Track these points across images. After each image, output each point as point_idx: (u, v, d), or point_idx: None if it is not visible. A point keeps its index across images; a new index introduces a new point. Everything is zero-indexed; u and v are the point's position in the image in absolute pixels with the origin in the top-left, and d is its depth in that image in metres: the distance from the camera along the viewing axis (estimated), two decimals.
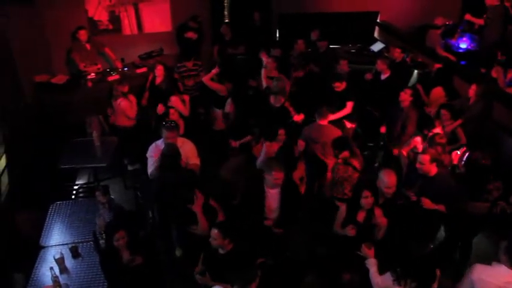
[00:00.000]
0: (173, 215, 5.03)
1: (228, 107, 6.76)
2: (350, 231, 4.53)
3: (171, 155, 4.95)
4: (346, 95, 6.93)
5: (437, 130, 5.88)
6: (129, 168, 7.30)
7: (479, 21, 9.02)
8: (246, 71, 8.14)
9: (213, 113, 7.40)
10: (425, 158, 4.90)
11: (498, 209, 4.94)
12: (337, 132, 6.04)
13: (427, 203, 4.81)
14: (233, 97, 6.92)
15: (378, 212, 4.57)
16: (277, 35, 10.24)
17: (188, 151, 5.38)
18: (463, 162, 5.74)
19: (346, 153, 5.46)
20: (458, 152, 6.01)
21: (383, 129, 6.84)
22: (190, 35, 9.22)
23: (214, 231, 4.17)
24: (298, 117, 6.63)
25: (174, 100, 6.72)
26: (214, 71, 7.18)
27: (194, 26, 9.24)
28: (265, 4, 10.11)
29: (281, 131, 5.74)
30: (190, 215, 4.67)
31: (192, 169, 5.26)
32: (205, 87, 7.35)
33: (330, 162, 5.92)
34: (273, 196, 4.87)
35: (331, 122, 6.38)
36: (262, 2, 10.12)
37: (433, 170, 4.92)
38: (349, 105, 6.92)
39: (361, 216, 4.60)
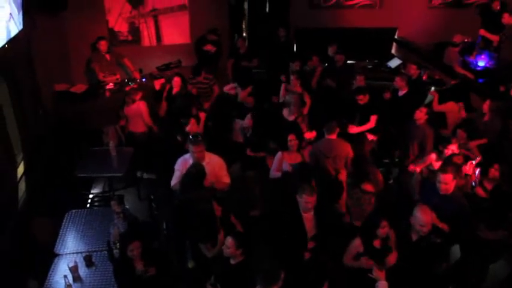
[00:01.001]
0: (190, 229, 4.99)
1: (247, 121, 6.81)
2: (366, 262, 4.38)
3: (195, 174, 4.89)
4: (369, 109, 6.96)
5: (453, 147, 5.84)
6: (145, 176, 7.35)
7: (494, 38, 9.00)
8: (264, 86, 8.18)
9: (235, 124, 7.39)
10: (448, 177, 4.77)
11: None
12: (347, 146, 6.06)
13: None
14: (253, 111, 6.95)
15: (392, 235, 4.52)
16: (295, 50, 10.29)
17: (217, 168, 5.32)
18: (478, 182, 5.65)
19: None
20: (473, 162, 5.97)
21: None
22: (209, 47, 9.31)
23: (229, 240, 4.21)
24: (310, 135, 6.65)
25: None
26: (249, 88, 7.31)
27: (213, 39, 9.32)
28: (283, 19, 10.20)
29: (291, 137, 5.79)
30: (207, 231, 4.68)
31: (213, 188, 5.17)
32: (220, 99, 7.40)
33: (342, 176, 5.93)
34: (308, 220, 4.73)
35: (355, 135, 6.41)
36: (281, 16, 10.21)
37: (451, 189, 4.84)
38: (373, 118, 6.93)
39: (377, 243, 4.51)
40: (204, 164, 5.09)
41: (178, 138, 6.59)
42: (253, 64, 9.20)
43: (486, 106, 6.77)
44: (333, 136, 6.05)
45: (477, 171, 5.65)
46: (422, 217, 4.32)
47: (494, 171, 5.24)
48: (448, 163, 5.31)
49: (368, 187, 5.55)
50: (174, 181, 5.28)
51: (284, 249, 4.69)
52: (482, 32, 9.30)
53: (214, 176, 5.18)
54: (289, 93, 6.85)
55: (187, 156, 5.37)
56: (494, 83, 8.44)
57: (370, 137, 6.99)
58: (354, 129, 6.90)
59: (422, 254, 4.39)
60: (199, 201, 4.75)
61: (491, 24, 9.40)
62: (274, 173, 5.90)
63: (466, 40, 9.38)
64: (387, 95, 7.49)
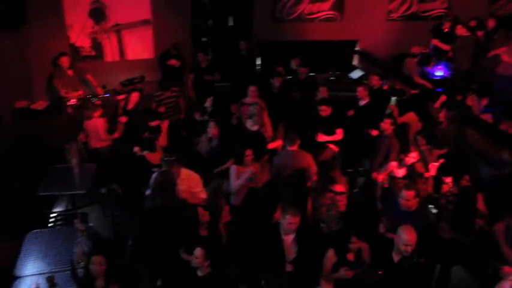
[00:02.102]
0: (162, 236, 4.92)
1: (212, 130, 6.80)
2: (346, 273, 4.37)
3: (164, 181, 4.84)
4: (332, 120, 7.07)
5: (413, 154, 6.00)
6: (102, 191, 7.21)
7: (446, 47, 9.32)
8: (227, 98, 8.22)
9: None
10: (410, 194, 4.90)
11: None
12: (309, 158, 6.10)
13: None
14: (215, 121, 6.94)
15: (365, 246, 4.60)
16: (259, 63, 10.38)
17: (193, 184, 5.35)
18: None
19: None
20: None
21: None
22: (173, 62, 9.31)
23: (198, 250, 4.19)
24: (274, 144, 6.70)
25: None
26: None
27: (176, 53, 9.33)
28: (246, 32, 10.30)
29: (248, 152, 5.78)
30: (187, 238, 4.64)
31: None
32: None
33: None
34: (288, 242, 4.65)
35: (316, 145, 6.51)
36: (244, 30, 10.31)
37: (414, 205, 4.95)
38: (340, 132, 7.07)
39: (350, 257, 4.56)
40: (179, 180, 5.06)
41: (135, 150, 6.58)
42: (216, 78, 9.23)
43: (443, 115, 7.02)
44: (295, 147, 6.10)
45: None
46: (407, 236, 4.23)
47: (465, 182, 5.43)
48: (412, 174, 5.46)
49: (340, 187, 5.61)
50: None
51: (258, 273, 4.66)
52: (434, 41, 9.64)
53: (189, 193, 5.19)
54: (252, 105, 6.90)
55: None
56: (452, 92, 8.75)
57: (333, 147, 7.10)
58: (322, 138, 7.00)
59: (406, 276, 4.33)
60: (173, 209, 4.70)
61: (445, 37, 9.82)
62: (233, 186, 5.87)
63: (424, 51, 9.69)
64: (351, 112, 7.61)
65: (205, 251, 4.20)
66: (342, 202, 5.51)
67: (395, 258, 4.42)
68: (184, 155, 6.91)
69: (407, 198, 4.89)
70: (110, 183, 7.14)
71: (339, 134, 7.06)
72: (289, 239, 4.60)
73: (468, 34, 9.29)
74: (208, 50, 9.85)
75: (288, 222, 4.49)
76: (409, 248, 4.23)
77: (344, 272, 4.35)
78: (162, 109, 7.72)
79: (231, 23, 10.60)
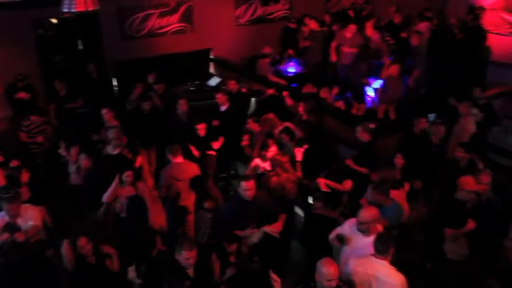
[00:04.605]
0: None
1: (83, 161, 6.50)
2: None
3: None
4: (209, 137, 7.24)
5: (273, 149, 6.33)
6: None
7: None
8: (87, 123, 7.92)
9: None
10: (250, 184, 5.10)
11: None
12: (195, 167, 6.29)
13: None
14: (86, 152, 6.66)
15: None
16: (116, 84, 10.11)
17: (31, 216, 5.10)
18: None
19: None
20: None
21: None
22: (22, 95, 8.70)
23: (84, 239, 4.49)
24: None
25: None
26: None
27: (23, 86, 8.72)
28: (97, 54, 9.97)
29: (128, 173, 5.69)
30: None
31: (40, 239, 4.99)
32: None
33: (191, 199, 6.10)
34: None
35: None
36: (95, 52, 9.98)
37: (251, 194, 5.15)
38: (221, 139, 7.30)
39: (232, 259, 4.73)
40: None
41: None
42: (79, 104, 8.79)
43: (301, 108, 7.46)
44: (179, 159, 6.19)
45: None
46: (329, 270, 3.86)
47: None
48: (274, 163, 5.81)
49: (209, 204, 5.70)
50: None
51: None
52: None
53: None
54: (110, 129, 6.77)
55: (1, 213, 5.04)
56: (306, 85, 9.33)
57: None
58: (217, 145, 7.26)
59: None
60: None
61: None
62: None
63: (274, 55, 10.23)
64: (215, 123, 7.64)
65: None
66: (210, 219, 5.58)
67: None
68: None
69: (246, 188, 5.08)
70: None
71: (219, 143, 7.29)
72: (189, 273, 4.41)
73: (318, 29, 10.04)
74: (63, 77, 9.33)
75: (184, 257, 4.27)
76: (334, 283, 3.86)
77: (231, 272, 4.50)
78: (39, 139, 7.37)
79: (80, 46, 10.22)
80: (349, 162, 6.44)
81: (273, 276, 4.34)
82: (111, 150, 6.64)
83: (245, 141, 7.11)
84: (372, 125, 6.87)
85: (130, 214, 5.56)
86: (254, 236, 5.03)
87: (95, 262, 4.75)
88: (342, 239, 4.79)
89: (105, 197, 5.64)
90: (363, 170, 6.28)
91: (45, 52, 9.89)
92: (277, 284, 4.33)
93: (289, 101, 8.06)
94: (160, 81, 8.51)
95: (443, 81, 9.01)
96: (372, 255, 4.16)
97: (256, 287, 4.28)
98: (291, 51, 10.49)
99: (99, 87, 9.15)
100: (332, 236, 4.90)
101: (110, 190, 5.64)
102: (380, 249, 4.12)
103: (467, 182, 5.46)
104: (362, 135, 6.46)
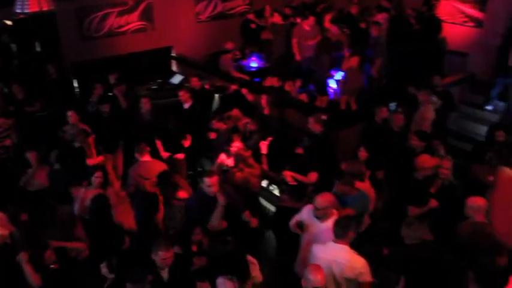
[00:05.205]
0: None
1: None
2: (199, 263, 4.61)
3: None
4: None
5: (236, 143, 6.34)
6: None
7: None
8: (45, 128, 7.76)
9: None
10: (213, 180, 5.13)
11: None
12: (163, 166, 6.30)
13: None
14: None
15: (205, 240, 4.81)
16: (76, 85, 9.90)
17: None
18: None
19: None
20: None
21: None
22: None
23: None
24: (95, 160, 6.69)
25: None
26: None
27: None
28: (56, 56, 9.75)
29: (98, 174, 5.78)
30: None
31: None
32: None
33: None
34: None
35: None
36: (54, 54, 9.75)
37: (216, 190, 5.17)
38: (189, 138, 7.34)
39: (194, 248, 4.80)
40: None
41: None
42: (36, 108, 8.57)
43: (264, 101, 7.53)
44: (147, 158, 6.25)
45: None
46: (316, 278, 3.79)
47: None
48: (237, 158, 5.91)
49: (182, 194, 5.71)
50: None
51: None
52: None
53: None
54: (70, 128, 6.83)
55: None
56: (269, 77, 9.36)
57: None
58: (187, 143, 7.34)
59: None
60: None
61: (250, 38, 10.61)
62: (78, 210, 5.72)
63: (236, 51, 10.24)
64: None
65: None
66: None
67: None
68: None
69: (210, 184, 5.10)
70: None
71: (188, 142, 7.33)
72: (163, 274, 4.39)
73: (281, 22, 10.10)
74: (21, 80, 9.07)
75: (161, 258, 4.26)
76: None
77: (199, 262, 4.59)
78: (7, 142, 7.22)
79: (38, 48, 9.97)
80: (300, 150, 6.52)
81: (250, 258, 4.41)
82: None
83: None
84: (324, 117, 6.98)
85: (93, 213, 5.55)
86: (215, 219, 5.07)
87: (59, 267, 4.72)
88: (301, 226, 4.95)
89: (77, 210, 5.66)
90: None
91: (2, 55, 9.61)
92: (254, 266, 4.37)
93: (250, 97, 8.08)
94: (122, 81, 8.37)
95: (403, 71, 9.20)
96: (332, 240, 4.27)
97: (232, 268, 4.28)
98: (252, 47, 10.52)
99: (60, 89, 8.92)
100: (292, 223, 5.03)
101: (78, 201, 5.68)
102: (339, 234, 4.24)
103: (424, 160, 5.72)
104: (314, 126, 6.59)
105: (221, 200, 5.02)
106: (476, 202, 4.86)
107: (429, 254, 4.44)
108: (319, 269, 3.89)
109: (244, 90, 8.25)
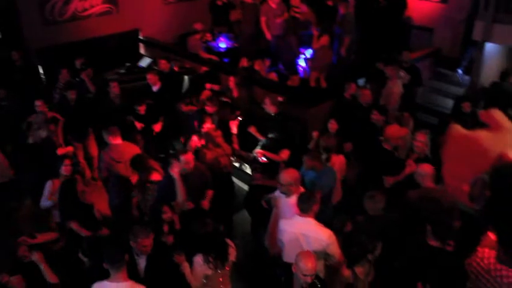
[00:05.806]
0: None
1: None
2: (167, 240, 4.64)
3: None
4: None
5: (208, 125, 6.35)
6: None
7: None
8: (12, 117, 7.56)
9: None
10: (188, 157, 5.23)
11: None
12: (135, 149, 6.24)
13: None
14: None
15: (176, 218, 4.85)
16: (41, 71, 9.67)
17: None
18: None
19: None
20: None
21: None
22: None
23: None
24: (64, 150, 6.60)
25: None
26: None
27: None
28: (17, 42, 9.46)
29: (67, 161, 5.67)
30: None
31: None
32: None
33: (134, 178, 5.96)
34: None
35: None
36: (16, 40, 9.46)
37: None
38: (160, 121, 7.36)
39: (165, 228, 4.80)
40: None
41: None
42: (1, 95, 8.33)
43: (232, 82, 7.51)
44: (118, 140, 6.11)
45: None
46: (306, 265, 3.78)
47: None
48: (207, 138, 6.00)
49: (156, 176, 5.70)
50: None
51: None
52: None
53: None
54: (37, 115, 6.66)
55: None
56: (238, 59, 9.33)
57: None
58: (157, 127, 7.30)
59: None
60: None
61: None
62: (45, 203, 5.67)
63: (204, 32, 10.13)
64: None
65: None
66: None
67: None
68: None
69: (187, 161, 5.19)
70: None
71: (158, 127, 7.32)
72: (142, 263, 4.38)
73: (251, 1, 10.02)
74: None
75: (141, 245, 4.22)
76: (309, 279, 3.82)
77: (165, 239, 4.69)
78: None
79: None
80: (252, 129, 6.68)
81: (229, 242, 4.46)
82: (41, 134, 6.54)
83: None
84: (281, 98, 7.14)
85: (62, 199, 5.50)
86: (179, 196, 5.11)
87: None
88: (269, 202, 5.12)
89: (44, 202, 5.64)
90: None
91: None
92: (232, 250, 4.44)
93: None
94: (89, 65, 8.19)
95: (371, 47, 9.29)
96: (297, 214, 4.41)
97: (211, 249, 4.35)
98: (221, 27, 10.44)
99: (25, 76, 8.69)
100: (263, 200, 5.19)
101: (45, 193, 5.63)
102: (303, 208, 4.37)
103: (392, 130, 5.82)
104: (270, 107, 6.66)
105: (174, 173, 5.07)
106: (424, 169, 4.95)
107: (390, 223, 4.58)
108: (310, 256, 3.84)
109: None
